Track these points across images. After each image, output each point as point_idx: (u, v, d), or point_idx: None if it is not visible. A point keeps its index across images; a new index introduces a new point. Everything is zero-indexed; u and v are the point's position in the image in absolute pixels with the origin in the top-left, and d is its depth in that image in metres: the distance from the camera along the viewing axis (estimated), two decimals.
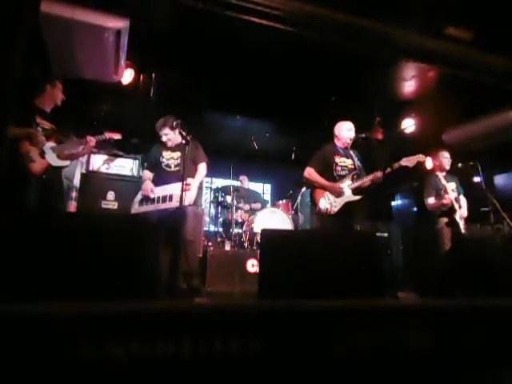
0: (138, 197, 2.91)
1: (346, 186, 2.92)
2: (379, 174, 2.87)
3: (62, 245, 1.22)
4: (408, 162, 2.85)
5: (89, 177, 3.91)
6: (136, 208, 2.88)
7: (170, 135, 2.95)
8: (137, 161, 4.12)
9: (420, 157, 2.87)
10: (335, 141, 3.18)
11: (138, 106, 4.33)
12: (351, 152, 3.15)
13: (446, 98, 4.12)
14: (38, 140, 2.55)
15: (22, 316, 0.78)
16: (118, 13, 2.92)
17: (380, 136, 5.02)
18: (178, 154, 2.92)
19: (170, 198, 2.72)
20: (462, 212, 3.53)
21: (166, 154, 2.96)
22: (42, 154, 2.56)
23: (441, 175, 3.63)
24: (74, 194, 4.03)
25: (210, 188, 5.04)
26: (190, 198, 2.68)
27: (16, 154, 2.42)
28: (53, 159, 2.61)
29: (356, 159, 3.11)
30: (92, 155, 3.93)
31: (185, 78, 4.09)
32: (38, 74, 3.02)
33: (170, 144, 2.97)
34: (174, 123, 2.86)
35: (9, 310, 0.79)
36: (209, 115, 4.71)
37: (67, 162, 2.75)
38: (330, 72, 3.97)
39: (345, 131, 3.11)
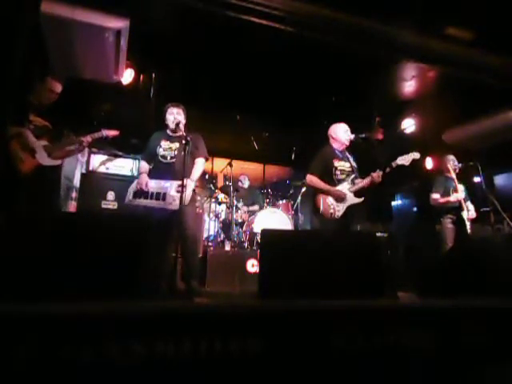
0: (133, 187, 2.80)
1: (347, 189, 2.93)
2: (378, 174, 2.87)
3: (61, 245, 1.22)
4: (403, 160, 2.88)
5: (89, 177, 3.90)
6: (130, 199, 2.76)
7: (181, 117, 2.85)
8: (137, 161, 4.11)
9: (415, 154, 2.90)
10: (332, 142, 3.14)
11: (138, 106, 4.33)
12: (347, 154, 3.14)
13: (446, 97, 4.12)
14: (28, 140, 2.50)
15: (22, 316, 0.78)
16: (118, 13, 2.91)
17: (380, 136, 5.03)
18: (177, 145, 2.79)
19: (164, 196, 2.61)
20: (470, 214, 3.58)
21: (165, 144, 2.83)
22: (33, 154, 2.51)
23: (452, 172, 3.68)
24: (73, 194, 4.02)
25: (210, 188, 5.03)
26: (184, 198, 2.55)
27: (5, 153, 2.38)
28: (43, 158, 2.55)
29: (352, 160, 3.11)
30: (92, 155, 3.93)
31: (185, 78, 4.09)
32: (36, 71, 2.99)
33: (173, 127, 2.82)
34: (178, 117, 2.82)
35: (9, 310, 0.79)
36: (209, 115, 4.70)
37: (58, 162, 2.69)
38: (330, 72, 3.97)
39: (342, 133, 3.09)
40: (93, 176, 3.91)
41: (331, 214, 2.87)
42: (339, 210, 2.87)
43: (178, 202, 2.49)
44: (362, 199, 2.90)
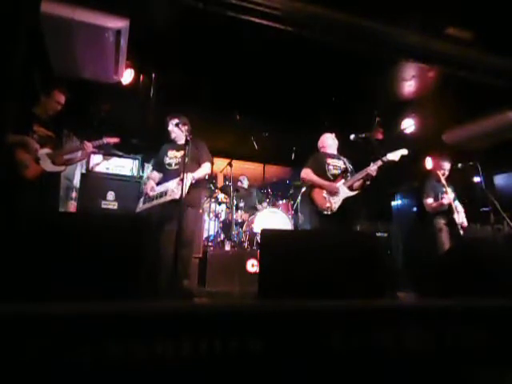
0: (143, 196, 3.00)
1: (341, 184, 3.04)
2: (371, 168, 2.96)
3: (61, 245, 1.22)
4: (393, 156, 2.99)
5: (89, 177, 3.90)
6: (140, 207, 2.94)
7: (175, 132, 3.01)
8: (137, 161, 4.12)
9: (403, 151, 3.01)
10: (323, 151, 3.40)
11: (138, 106, 4.33)
12: (341, 157, 3.34)
13: (445, 97, 4.12)
14: (32, 147, 2.59)
15: (22, 316, 0.78)
16: (118, 13, 2.92)
17: (380, 136, 5.02)
18: (182, 153, 2.89)
19: (166, 192, 2.76)
20: (459, 217, 3.60)
21: (171, 153, 2.99)
22: (37, 161, 2.60)
23: (441, 178, 3.70)
24: (73, 194, 4.03)
25: (210, 188, 5.03)
26: (185, 190, 2.64)
27: (9, 160, 2.45)
28: (47, 165, 2.65)
29: (346, 161, 3.29)
30: (92, 155, 3.93)
31: (185, 78, 4.09)
32: (38, 81, 3.05)
33: (175, 138, 3.02)
34: (174, 122, 2.91)
35: (9, 310, 0.79)
36: (209, 115, 4.70)
37: (62, 168, 2.79)
38: (330, 72, 3.97)
39: (330, 140, 3.37)
40: (93, 176, 3.91)
41: (328, 207, 2.96)
42: (335, 202, 2.96)
43: (176, 192, 2.62)
44: (356, 192, 3.00)
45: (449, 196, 3.60)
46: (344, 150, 3.47)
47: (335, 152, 3.36)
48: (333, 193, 2.99)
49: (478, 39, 3.20)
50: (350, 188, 3.01)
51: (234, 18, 2.82)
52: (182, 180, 2.58)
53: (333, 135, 3.42)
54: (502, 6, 2.84)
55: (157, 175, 3.04)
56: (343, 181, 3.05)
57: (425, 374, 1.05)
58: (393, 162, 2.99)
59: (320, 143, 3.44)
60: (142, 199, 2.99)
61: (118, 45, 3.12)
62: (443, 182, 3.69)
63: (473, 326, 1.11)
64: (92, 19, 2.86)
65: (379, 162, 2.96)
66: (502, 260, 1.74)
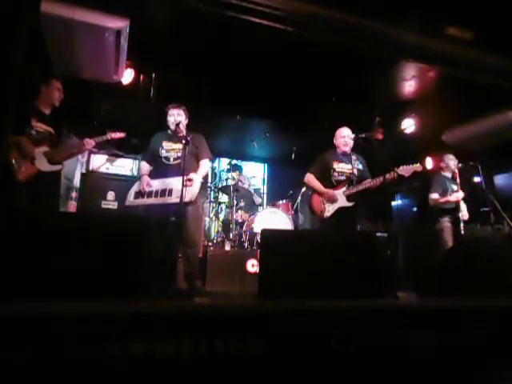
0: (134, 188, 2.80)
1: (341, 192, 2.98)
2: (374, 182, 2.91)
3: (61, 245, 1.22)
4: (404, 171, 2.83)
5: (89, 177, 3.90)
6: (131, 200, 2.75)
7: (182, 118, 2.86)
8: (137, 161, 4.12)
9: (417, 166, 2.84)
10: (335, 147, 3.27)
11: (138, 106, 4.33)
12: (353, 157, 3.16)
13: (446, 97, 4.12)
14: (26, 147, 2.53)
15: (21, 316, 0.78)
16: (118, 13, 2.92)
17: (380, 136, 5.02)
18: (180, 146, 2.78)
19: (170, 192, 2.62)
20: (463, 214, 3.58)
21: (167, 145, 2.82)
22: (32, 160, 2.53)
23: (449, 176, 3.69)
24: (73, 194, 4.03)
25: (210, 188, 5.03)
26: (191, 193, 2.58)
27: (3, 161, 2.41)
28: (43, 164, 2.57)
29: (357, 164, 3.13)
30: (92, 155, 3.93)
31: (185, 78, 4.09)
32: (36, 74, 3.02)
33: (173, 128, 2.84)
34: (177, 121, 2.82)
35: (9, 310, 0.79)
36: (209, 115, 4.71)
37: (59, 167, 2.72)
38: (330, 72, 3.97)
39: (338, 138, 3.19)
40: (93, 176, 3.91)
41: (321, 211, 2.97)
42: (329, 210, 2.95)
43: (186, 195, 2.50)
44: (352, 203, 2.94)
45: (457, 194, 3.57)
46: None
47: (346, 148, 3.14)
48: (331, 200, 2.95)
49: (478, 39, 3.20)
50: (349, 197, 2.95)
51: (234, 18, 2.82)
52: (189, 180, 2.54)
53: (344, 131, 3.17)
54: (501, 6, 2.84)
55: (148, 168, 2.87)
56: (344, 189, 2.98)
57: (425, 374, 1.05)
58: (402, 176, 2.80)
59: (335, 139, 3.26)
60: (133, 191, 2.79)
61: (118, 45, 3.12)
62: (456, 175, 3.65)
63: (473, 325, 1.11)
64: (92, 19, 2.86)
65: (387, 176, 2.80)
66: (502, 260, 1.74)
